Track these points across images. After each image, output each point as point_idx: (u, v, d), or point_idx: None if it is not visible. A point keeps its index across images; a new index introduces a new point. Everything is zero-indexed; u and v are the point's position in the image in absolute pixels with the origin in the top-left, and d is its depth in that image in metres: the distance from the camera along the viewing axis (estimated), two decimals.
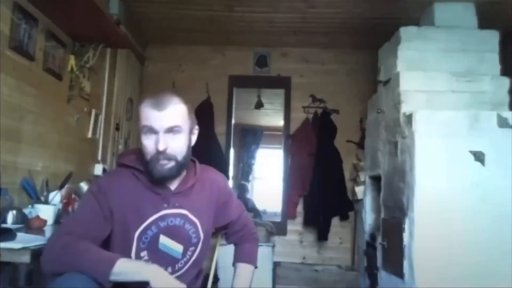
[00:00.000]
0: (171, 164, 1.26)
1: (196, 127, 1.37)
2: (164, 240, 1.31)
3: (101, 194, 1.27)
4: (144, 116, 1.25)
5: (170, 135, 1.25)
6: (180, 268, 1.35)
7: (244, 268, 1.54)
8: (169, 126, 1.24)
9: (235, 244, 1.60)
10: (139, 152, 1.31)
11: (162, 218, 1.30)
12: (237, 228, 1.56)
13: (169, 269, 1.31)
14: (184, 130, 1.28)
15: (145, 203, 1.29)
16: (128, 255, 1.25)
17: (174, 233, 1.31)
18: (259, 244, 1.64)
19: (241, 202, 1.61)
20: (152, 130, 1.24)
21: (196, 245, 1.37)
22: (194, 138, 1.36)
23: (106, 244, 1.27)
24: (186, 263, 1.36)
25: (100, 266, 1.11)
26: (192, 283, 1.39)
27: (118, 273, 1.11)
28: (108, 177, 1.41)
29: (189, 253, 1.36)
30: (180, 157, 1.27)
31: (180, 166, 1.29)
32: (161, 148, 1.23)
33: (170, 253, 1.33)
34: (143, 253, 1.29)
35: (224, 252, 2.04)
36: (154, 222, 1.29)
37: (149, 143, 1.25)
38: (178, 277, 1.26)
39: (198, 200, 1.37)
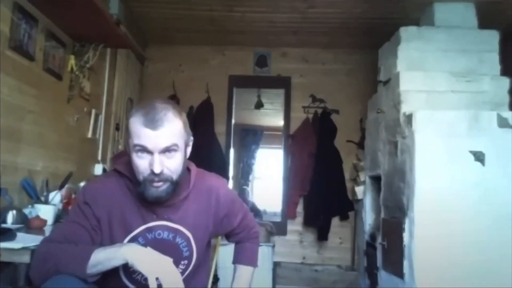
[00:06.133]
0: (166, 185, 1.16)
1: (191, 138, 1.27)
2: None
3: (86, 204, 1.22)
4: (136, 134, 1.13)
5: (166, 155, 1.14)
6: None
7: (244, 270, 1.51)
8: (165, 146, 1.13)
9: (235, 243, 1.56)
10: None
11: (150, 230, 1.23)
12: (238, 231, 1.50)
13: None
14: (181, 147, 1.18)
15: (133, 213, 1.23)
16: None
17: (162, 246, 1.22)
18: (259, 244, 1.62)
19: (242, 202, 1.53)
20: (146, 150, 1.13)
21: (189, 258, 1.29)
22: (189, 150, 1.27)
23: None
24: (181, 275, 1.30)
25: (76, 261, 1.08)
26: None
27: (95, 264, 1.07)
28: (96, 183, 1.33)
29: (181, 266, 1.29)
30: (175, 176, 1.18)
31: (176, 185, 1.19)
32: (156, 170, 1.12)
33: None
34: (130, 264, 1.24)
35: (224, 252, 2.04)
36: (141, 233, 1.23)
37: (142, 163, 1.14)
38: None
39: (192, 212, 1.28)
